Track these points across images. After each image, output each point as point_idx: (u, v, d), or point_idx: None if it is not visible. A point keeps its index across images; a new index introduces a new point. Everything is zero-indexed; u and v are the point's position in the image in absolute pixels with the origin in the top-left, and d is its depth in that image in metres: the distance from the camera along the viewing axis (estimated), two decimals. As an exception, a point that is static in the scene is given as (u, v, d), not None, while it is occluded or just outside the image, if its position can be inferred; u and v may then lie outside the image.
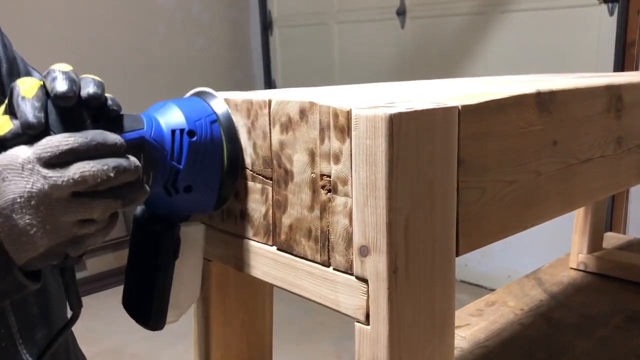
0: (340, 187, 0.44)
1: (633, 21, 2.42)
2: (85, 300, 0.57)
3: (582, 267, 1.22)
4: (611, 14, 2.49)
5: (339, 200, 0.44)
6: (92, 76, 0.45)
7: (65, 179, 0.41)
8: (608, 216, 2.56)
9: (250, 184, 0.53)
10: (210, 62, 3.87)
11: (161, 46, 3.59)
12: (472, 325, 1.01)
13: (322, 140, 0.45)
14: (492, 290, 1.16)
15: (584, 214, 1.22)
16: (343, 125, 0.43)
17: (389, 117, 0.40)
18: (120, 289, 0.58)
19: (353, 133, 0.42)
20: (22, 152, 0.42)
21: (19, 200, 0.41)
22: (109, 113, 0.46)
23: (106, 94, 0.46)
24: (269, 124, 0.50)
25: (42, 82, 0.44)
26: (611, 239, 1.38)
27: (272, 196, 0.51)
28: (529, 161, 0.53)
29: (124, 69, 3.41)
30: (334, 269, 0.46)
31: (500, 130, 0.49)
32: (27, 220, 0.42)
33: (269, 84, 4.06)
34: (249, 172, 0.53)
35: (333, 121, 0.44)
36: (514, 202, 0.52)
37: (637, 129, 0.69)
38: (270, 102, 0.49)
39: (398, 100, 0.47)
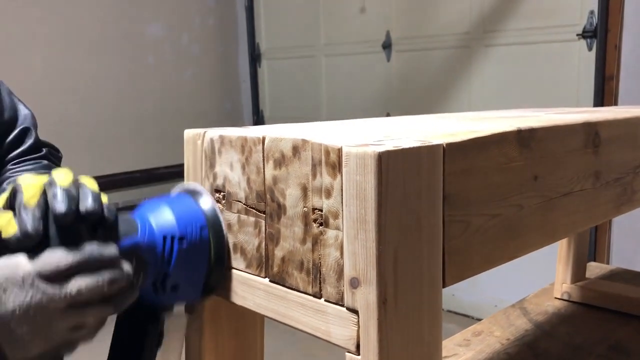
0: (331, 220, 0.46)
1: (611, 56, 2.50)
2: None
3: (566, 297, 1.24)
4: (590, 49, 2.57)
5: (330, 234, 0.46)
6: (90, 187, 0.49)
7: (63, 294, 0.45)
8: (592, 246, 2.59)
9: (243, 217, 0.55)
10: (199, 93, 3.90)
11: (150, 77, 3.63)
12: (459, 355, 1.02)
13: (314, 175, 0.47)
14: (480, 319, 1.17)
15: (567, 245, 1.25)
16: (334, 162, 0.45)
17: (378, 155, 0.42)
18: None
19: (344, 169, 0.44)
20: (23, 265, 0.45)
21: (17, 311, 0.45)
22: (105, 223, 0.49)
23: (103, 202, 0.49)
24: (263, 159, 0.52)
25: (43, 188, 0.48)
26: (594, 269, 1.40)
27: (265, 229, 0.52)
28: (511, 195, 0.55)
29: (113, 99, 3.43)
30: (325, 300, 0.47)
31: (483, 167, 0.52)
32: (25, 329, 0.45)
33: (257, 114, 4.09)
34: (242, 206, 0.55)
35: (325, 158, 0.46)
36: (497, 235, 0.54)
37: (614, 163, 0.72)
38: (264, 138, 0.51)
39: (386, 137, 0.49)
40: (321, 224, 0.47)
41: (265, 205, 0.52)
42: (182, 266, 0.53)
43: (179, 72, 3.78)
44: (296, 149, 0.48)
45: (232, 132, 0.56)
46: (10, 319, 0.45)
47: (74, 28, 3.26)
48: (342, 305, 0.46)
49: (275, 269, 0.52)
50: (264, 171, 0.52)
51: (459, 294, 3.12)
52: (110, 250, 0.48)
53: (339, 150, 0.44)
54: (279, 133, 0.51)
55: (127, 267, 0.48)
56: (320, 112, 3.66)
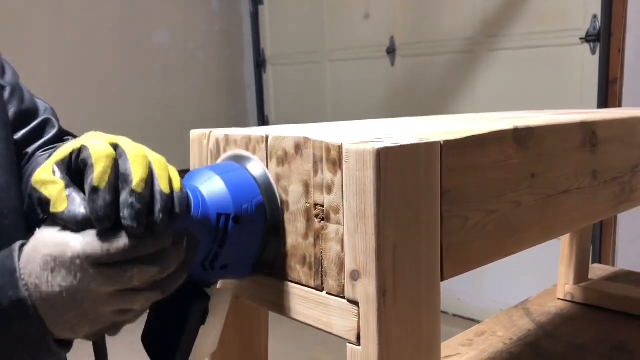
0: (332, 215, 0.47)
1: (614, 59, 2.51)
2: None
3: (568, 298, 1.25)
4: (593, 52, 2.58)
5: (331, 228, 0.48)
6: (164, 189, 0.44)
7: (112, 281, 0.42)
8: (596, 249, 2.59)
9: (248, 214, 0.56)
10: (205, 98, 3.93)
11: (157, 83, 3.66)
12: (462, 354, 1.03)
13: (315, 172, 0.49)
14: (483, 322, 1.18)
15: (570, 246, 1.25)
16: (335, 159, 0.47)
17: (377, 151, 0.43)
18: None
19: (344, 166, 0.46)
20: (72, 245, 0.42)
21: (64, 294, 0.43)
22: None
23: (175, 202, 0.45)
24: (267, 157, 0.53)
25: (112, 165, 0.43)
26: (597, 271, 1.41)
27: (269, 225, 0.54)
28: (508, 192, 0.57)
29: (119, 106, 3.46)
30: (327, 293, 0.49)
31: (480, 164, 0.53)
32: (72, 313, 0.44)
33: (262, 120, 4.12)
34: (246, 203, 0.56)
35: (326, 155, 0.47)
36: (495, 231, 0.55)
37: (612, 162, 0.74)
38: (267, 137, 0.53)
39: (385, 135, 0.51)
40: (323, 219, 0.48)
41: (269, 202, 0.53)
42: (235, 246, 0.50)
43: (185, 78, 3.81)
44: (298, 147, 0.50)
45: (237, 132, 0.57)
46: (57, 301, 0.43)
47: (81, 35, 3.30)
48: (343, 298, 0.47)
49: (279, 263, 0.53)
50: (267, 169, 0.53)
51: (464, 298, 3.13)
52: (166, 241, 0.44)
53: (340, 147, 0.46)
54: (282, 132, 0.53)
55: (179, 251, 0.45)
56: (325, 117, 3.68)
